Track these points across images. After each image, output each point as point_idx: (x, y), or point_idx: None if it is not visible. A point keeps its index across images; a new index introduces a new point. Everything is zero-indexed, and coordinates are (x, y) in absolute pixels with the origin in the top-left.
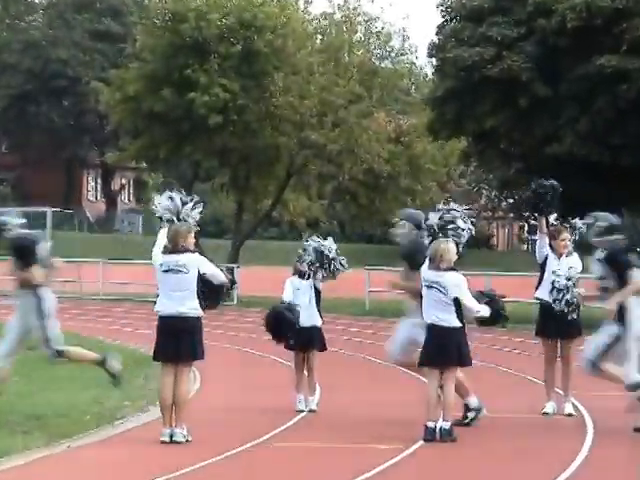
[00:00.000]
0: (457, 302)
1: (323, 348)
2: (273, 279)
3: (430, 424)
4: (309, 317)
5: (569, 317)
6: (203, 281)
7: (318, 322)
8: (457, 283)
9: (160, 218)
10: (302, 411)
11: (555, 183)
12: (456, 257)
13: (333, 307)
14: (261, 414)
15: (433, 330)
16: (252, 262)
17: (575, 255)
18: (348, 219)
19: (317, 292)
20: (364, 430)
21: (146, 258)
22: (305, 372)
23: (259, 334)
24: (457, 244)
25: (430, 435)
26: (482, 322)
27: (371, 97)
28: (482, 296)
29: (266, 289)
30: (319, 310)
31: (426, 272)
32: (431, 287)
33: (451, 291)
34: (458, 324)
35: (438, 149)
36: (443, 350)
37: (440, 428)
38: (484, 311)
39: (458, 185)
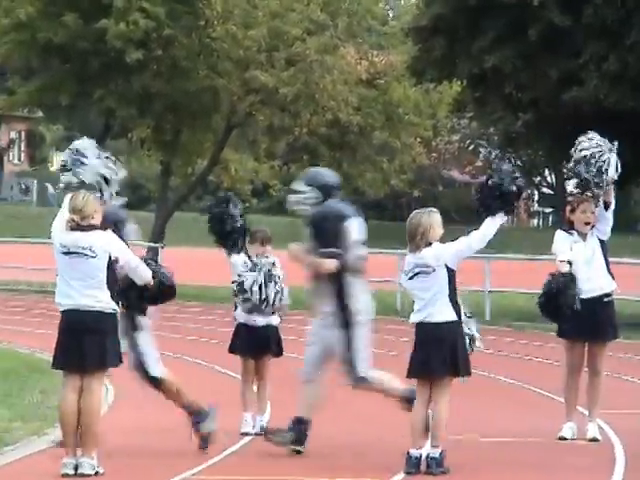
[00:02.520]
0: (451, 288)
1: (279, 353)
2: (210, 262)
3: (414, 452)
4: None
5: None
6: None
7: (274, 320)
8: (436, 249)
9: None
10: (248, 434)
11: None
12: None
13: None
14: (192, 438)
15: (423, 330)
16: (182, 241)
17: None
18: None
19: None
20: (327, 459)
21: (44, 236)
22: (254, 384)
23: (196, 334)
24: None
25: (413, 466)
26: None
27: (336, 26)
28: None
29: (201, 278)
30: None
31: (407, 259)
32: (415, 275)
33: (434, 262)
34: (454, 317)
35: (423, 95)
36: (434, 356)
37: (427, 456)
38: (498, 220)
39: (449, 142)
